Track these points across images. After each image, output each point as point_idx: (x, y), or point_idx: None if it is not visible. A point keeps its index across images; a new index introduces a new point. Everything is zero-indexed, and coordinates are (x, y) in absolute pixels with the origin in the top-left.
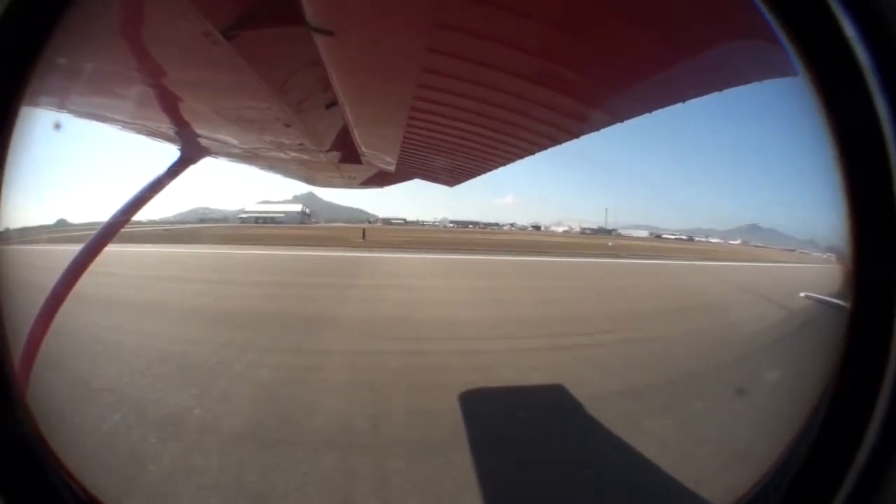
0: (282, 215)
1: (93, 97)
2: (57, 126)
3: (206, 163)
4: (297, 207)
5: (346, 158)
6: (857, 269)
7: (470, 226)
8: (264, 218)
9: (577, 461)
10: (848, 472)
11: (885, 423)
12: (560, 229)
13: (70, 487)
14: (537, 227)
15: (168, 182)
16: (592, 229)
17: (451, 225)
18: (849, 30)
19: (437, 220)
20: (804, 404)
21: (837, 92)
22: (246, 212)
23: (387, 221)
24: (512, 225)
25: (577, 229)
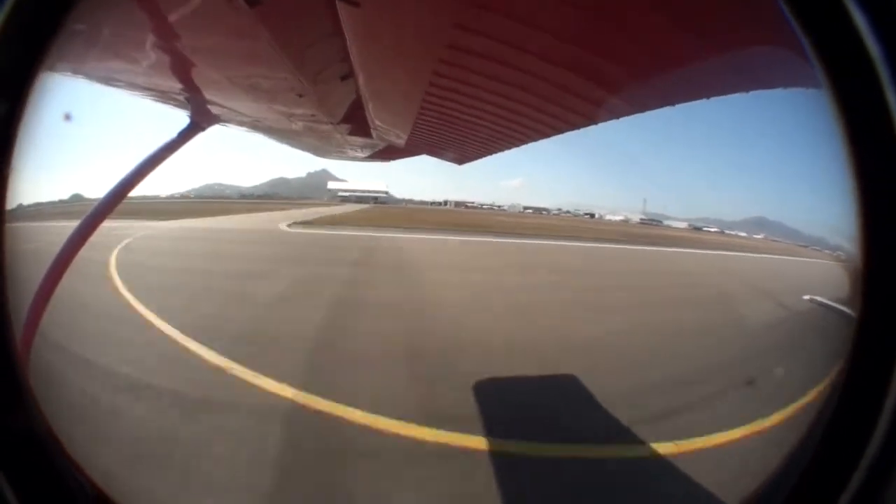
0: (371, 195)
1: (110, 62)
2: (67, 117)
3: (217, 135)
4: (383, 189)
5: (356, 131)
6: (867, 267)
7: (543, 212)
8: (357, 197)
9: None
10: (853, 474)
11: (891, 424)
12: (617, 218)
13: (75, 475)
14: (591, 215)
15: (177, 148)
16: (648, 220)
17: (529, 211)
18: (861, 25)
19: (510, 205)
20: (810, 404)
21: (850, 88)
22: (344, 191)
23: (461, 204)
24: (566, 211)
25: (636, 220)
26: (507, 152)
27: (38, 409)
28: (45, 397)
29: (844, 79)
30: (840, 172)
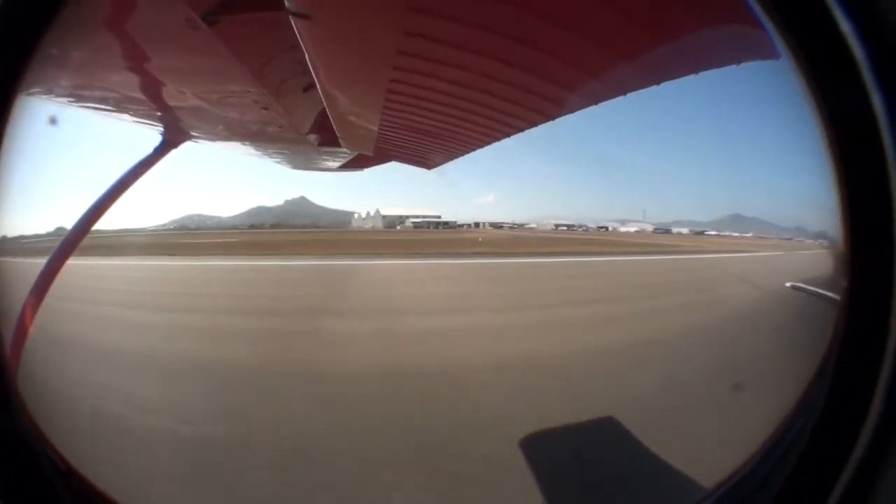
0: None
1: (81, 84)
2: (53, 121)
3: (190, 165)
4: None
5: (325, 141)
6: (851, 257)
7: (576, 227)
8: (429, 223)
9: None
10: (845, 465)
11: (883, 415)
12: (632, 229)
13: (63, 479)
14: (604, 228)
15: (150, 166)
16: (661, 229)
17: (563, 228)
18: (842, 21)
19: (540, 223)
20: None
21: (827, 77)
22: (415, 217)
23: (497, 226)
24: (582, 226)
25: (650, 230)
26: (475, 171)
27: (25, 413)
28: (35, 402)
29: (819, 63)
30: (814, 160)
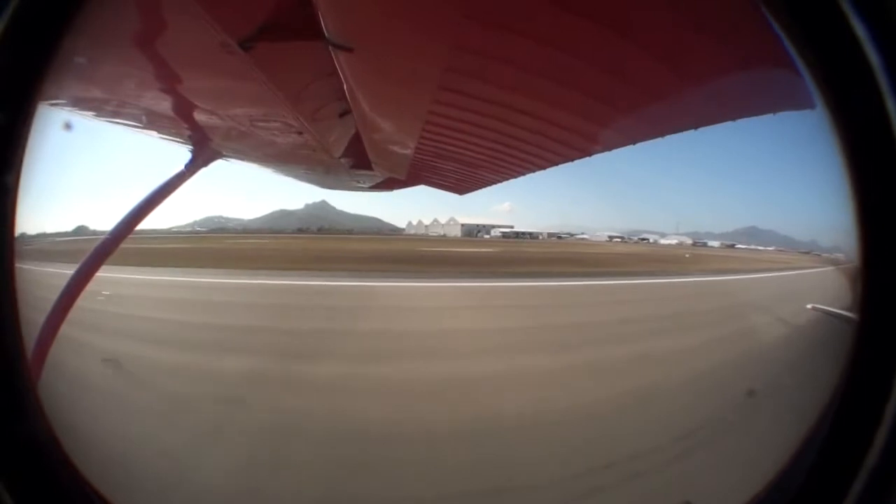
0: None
1: (109, 100)
2: (67, 126)
3: (213, 168)
4: (510, 226)
5: (357, 165)
6: (866, 270)
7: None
8: (515, 233)
9: None
10: (856, 477)
11: (894, 427)
12: (673, 241)
13: (79, 485)
14: (645, 239)
15: (182, 182)
16: (700, 243)
17: (618, 239)
18: (859, 29)
19: (596, 233)
20: (814, 409)
21: (845, 91)
22: (498, 227)
23: (556, 236)
24: (617, 237)
25: (689, 242)
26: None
27: (44, 419)
28: (55, 409)
29: (839, 84)
30: (831, 174)
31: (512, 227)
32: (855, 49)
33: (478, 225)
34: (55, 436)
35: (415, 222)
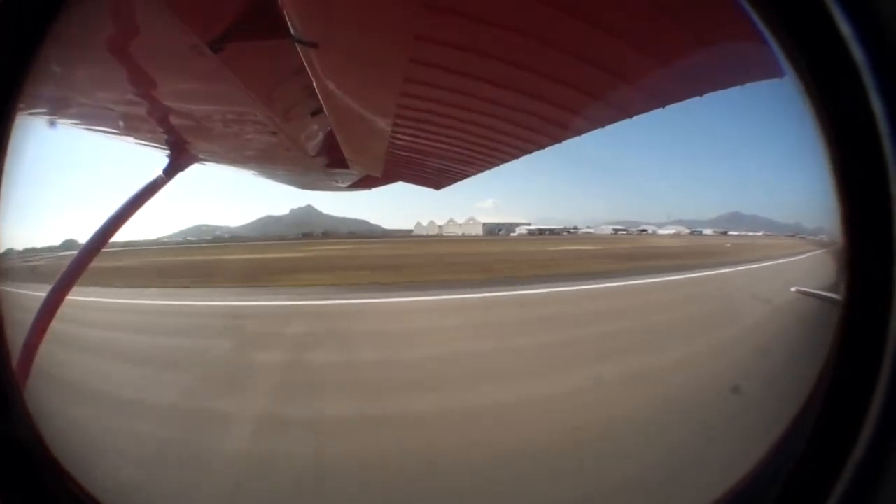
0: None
1: (85, 106)
2: (52, 123)
3: (194, 176)
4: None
5: (333, 163)
6: (851, 254)
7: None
8: (540, 230)
9: None
10: (845, 466)
11: (882, 417)
12: (670, 232)
13: (66, 487)
14: (644, 231)
15: (159, 188)
16: (697, 231)
17: (623, 231)
18: (843, 26)
19: (596, 227)
20: (799, 398)
21: (826, 79)
22: (522, 224)
23: (567, 231)
24: (621, 229)
25: (687, 232)
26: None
27: (30, 421)
28: (36, 404)
29: (817, 65)
30: (812, 156)
31: (529, 223)
32: (828, 20)
33: (499, 224)
34: (42, 438)
35: (424, 223)
